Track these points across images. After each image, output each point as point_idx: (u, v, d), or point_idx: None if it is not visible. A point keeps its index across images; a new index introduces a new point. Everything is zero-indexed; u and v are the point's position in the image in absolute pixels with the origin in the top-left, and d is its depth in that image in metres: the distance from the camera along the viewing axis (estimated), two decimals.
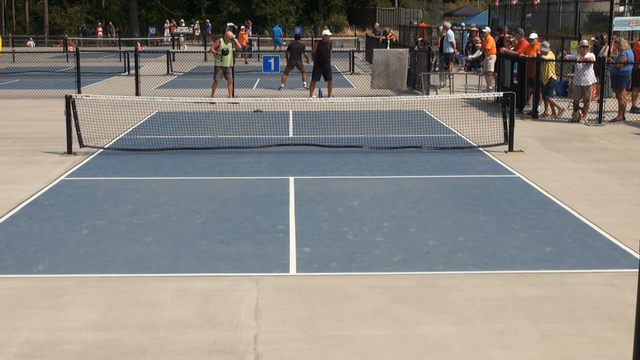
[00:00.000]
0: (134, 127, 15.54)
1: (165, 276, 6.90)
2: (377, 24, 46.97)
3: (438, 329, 5.76)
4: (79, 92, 20.22)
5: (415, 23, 46.48)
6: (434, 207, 9.26)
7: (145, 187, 10.37)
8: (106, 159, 12.35)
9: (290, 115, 17.23)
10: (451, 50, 26.29)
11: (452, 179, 10.88)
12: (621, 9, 32.12)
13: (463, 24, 39.35)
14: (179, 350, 5.40)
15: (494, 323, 5.86)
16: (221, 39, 20.21)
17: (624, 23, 23.73)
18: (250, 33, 47.21)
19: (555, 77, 17.20)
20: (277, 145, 13.23)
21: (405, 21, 54.20)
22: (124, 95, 18.47)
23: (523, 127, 15.32)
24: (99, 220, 8.71)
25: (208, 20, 55.99)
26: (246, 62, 34.68)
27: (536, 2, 30.70)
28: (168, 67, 29.47)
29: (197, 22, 57.62)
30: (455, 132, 14.94)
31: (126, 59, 28.04)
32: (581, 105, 16.42)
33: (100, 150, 12.98)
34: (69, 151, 12.62)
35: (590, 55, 16.45)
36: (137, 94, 21.07)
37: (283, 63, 25.13)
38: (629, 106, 17.48)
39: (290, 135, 14.77)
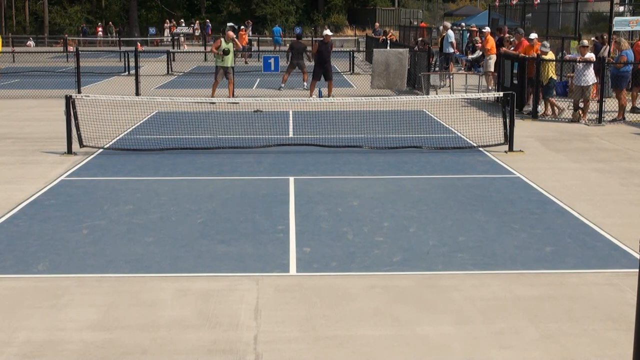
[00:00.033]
0: (134, 127, 15.54)
1: (165, 276, 6.90)
2: (377, 24, 46.99)
3: (438, 329, 5.76)
4: (79, 92, 20.22)
5: (415, 23, 46.50)
6: (434, 207, 9.26)
7: (145, 187, 10.37)
8: (106, 159, 12.35)
9: (290, 115, 17.24)
10: (451, 50, 26.29)
11: (452, 179, 10.88)
12: (621, 9, 32.12)
13: (463, 24, 39.35)
14: (179, 350, 5.40)
15: (494, 323, 5.86)
16: (222, 39, 20.21)
17: (624, 23, 23.73)
18: (250, 33, 47.21)
19: (555, 77, 17.20)
20: (277, 145, 13.23)
21: (405, 21, 54.21)
22: (124, 95, 18.47)
23: (523, 127, 15.32)
24: (99, 220, 8.71)
25: (208, 20, 55.99)
26: (246, 62, 34.69)
27: (536, 2, 30.70)
28: (168, 67, 29.48)
29: (197, 22, 57.63)
30: (455, 132, 14.94)
31: (126, 59, 28.05)
32: (581, 105, 16.42)
33: (100, 150, 12.98)
34: (69, 151, 12.62)
35: (590, 55, 16.45)
36: (137, 94, 21.08)
37: (283, 63, 25.14)
38: (629, 106, 17.49)
39: (290, 135, 14.77)
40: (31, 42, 51.94)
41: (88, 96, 14.63)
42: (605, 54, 19.70)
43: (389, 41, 31.13)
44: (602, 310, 6.10)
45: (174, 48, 44.13)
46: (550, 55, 17.09)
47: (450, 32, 26.56)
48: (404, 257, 7.39)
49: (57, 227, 8.44)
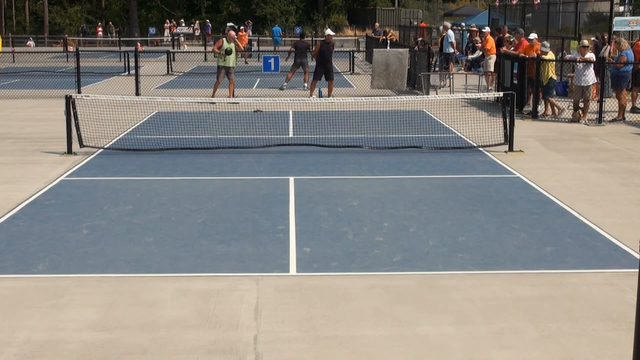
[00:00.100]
0: (134, 127, 15.54)
1: (165, 276, 6.90)
2: (377, 24, 47.00)
3: (438, 329, 5.76)
4: (79, 92, 20.22)
5: (415, 23, 46.50)
6: (434, 207, 9.26)
7: (145, 187, 10.37)
8: (106, 159, 12.35)
9: (290, 115, 17.24)
10: (451, 50, 26.29)
11: (452, 179, 10.88)
12: (621, 9, 32.14)
13: (463, 24, 39.36)
14: (179, 350, 5.40)
15: (494, 323, 5.86)
16: (224, 39, 20.23)
17: (624, 23, 23.74)
18: (250, 33, 47.23)
19: (555, 77, 17.20)
20: (277, 145, 13.23)
21: (405, 21, 54.22)
22: (124, 95, 18.47)
23: (523, 127, 15.32)
24: (99, 220, 8.71)
25: (208, 20, 56.00)
26: (246, 62, 34.70)
27: (536, 2, 30.72)
28: (168, 67, 29.48)
29: (197, 22, 57.63)
30: (455, 132, 14.94)
31: (126, 59, 28.05)
32: (581, 105, 16.42)
33: (100, 150, 12.98)
34: (69, 151, 12.62)
35: (590, 55, 16.45)
36: (137, 94, 21.08)
37: (283, 63, 25.13)
38: (629, 106, 17.49)
39: (290, 135, 14.77)
40: (31, 42, 51.96)
41: (88, 96, 14.63)
42: (606, 54, 19.70)
43: (389, 41, 31.14)
44: (602, 310, 6.10)
45: (174, 48, 44.13)
46: (550, 55, 17.09)
47: (450, 32, 26.56)
48: (404, 257, 7.39)
49: (57, 227, 8.44)
